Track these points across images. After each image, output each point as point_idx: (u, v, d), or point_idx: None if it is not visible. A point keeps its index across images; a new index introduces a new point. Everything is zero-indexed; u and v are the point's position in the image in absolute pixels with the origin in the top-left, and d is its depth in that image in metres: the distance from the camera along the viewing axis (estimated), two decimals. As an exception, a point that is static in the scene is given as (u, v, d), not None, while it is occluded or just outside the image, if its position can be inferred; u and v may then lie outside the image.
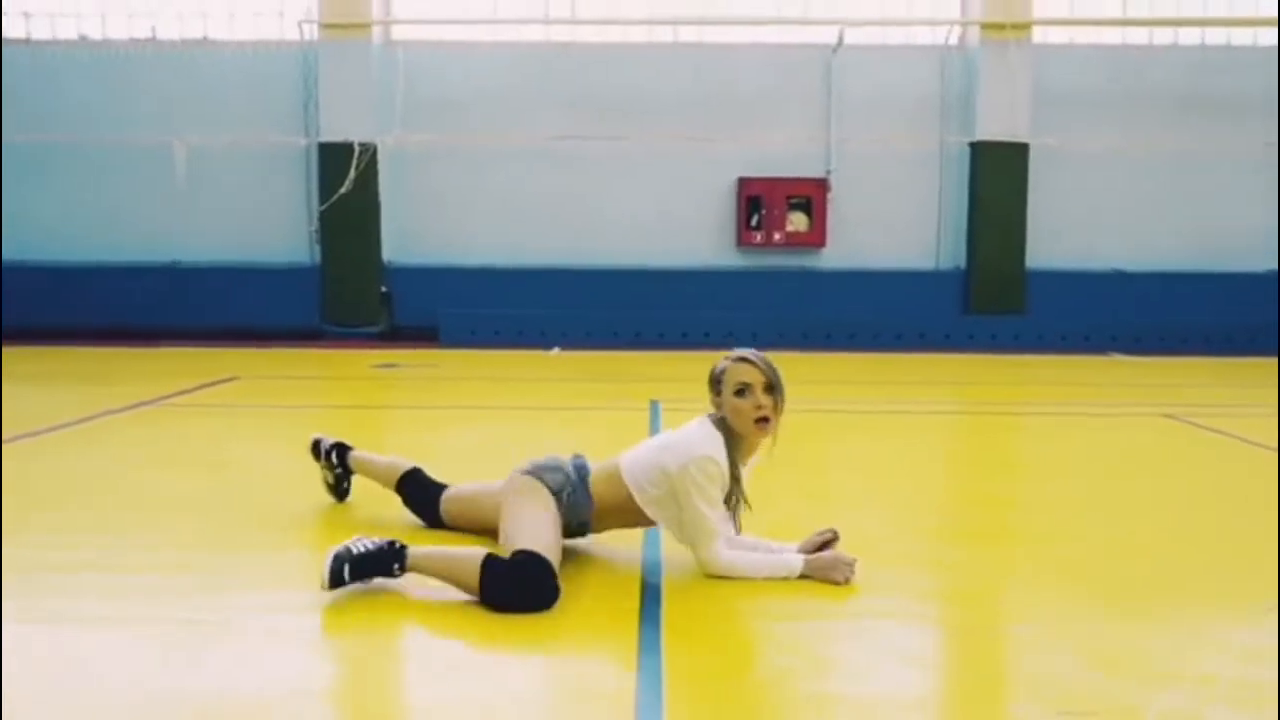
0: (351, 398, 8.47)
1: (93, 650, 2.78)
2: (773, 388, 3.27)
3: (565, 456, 3.51)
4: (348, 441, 4.23)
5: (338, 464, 4.16)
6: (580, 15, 13.27)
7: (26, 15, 13.25)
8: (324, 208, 12.82)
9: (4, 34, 13.16)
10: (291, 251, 13.13)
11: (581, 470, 3.45)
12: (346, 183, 12.69)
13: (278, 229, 13.14)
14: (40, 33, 13.25)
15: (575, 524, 3.42)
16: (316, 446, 4.20)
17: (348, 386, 9.06)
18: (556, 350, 11.67)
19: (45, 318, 12.45)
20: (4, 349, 10.80)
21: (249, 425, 6.79)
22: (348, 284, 12.93)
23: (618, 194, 13.23)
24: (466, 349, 11.63)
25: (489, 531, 3.52)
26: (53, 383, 8.62)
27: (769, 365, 3.30)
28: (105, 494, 4.58)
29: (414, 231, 13.19)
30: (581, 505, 3.39)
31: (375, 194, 12.96)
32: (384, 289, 13.02)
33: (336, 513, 4.18)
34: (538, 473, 3.41)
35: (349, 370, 9.94)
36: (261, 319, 12.68)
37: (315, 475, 4.34)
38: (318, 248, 13.02)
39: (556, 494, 3.36)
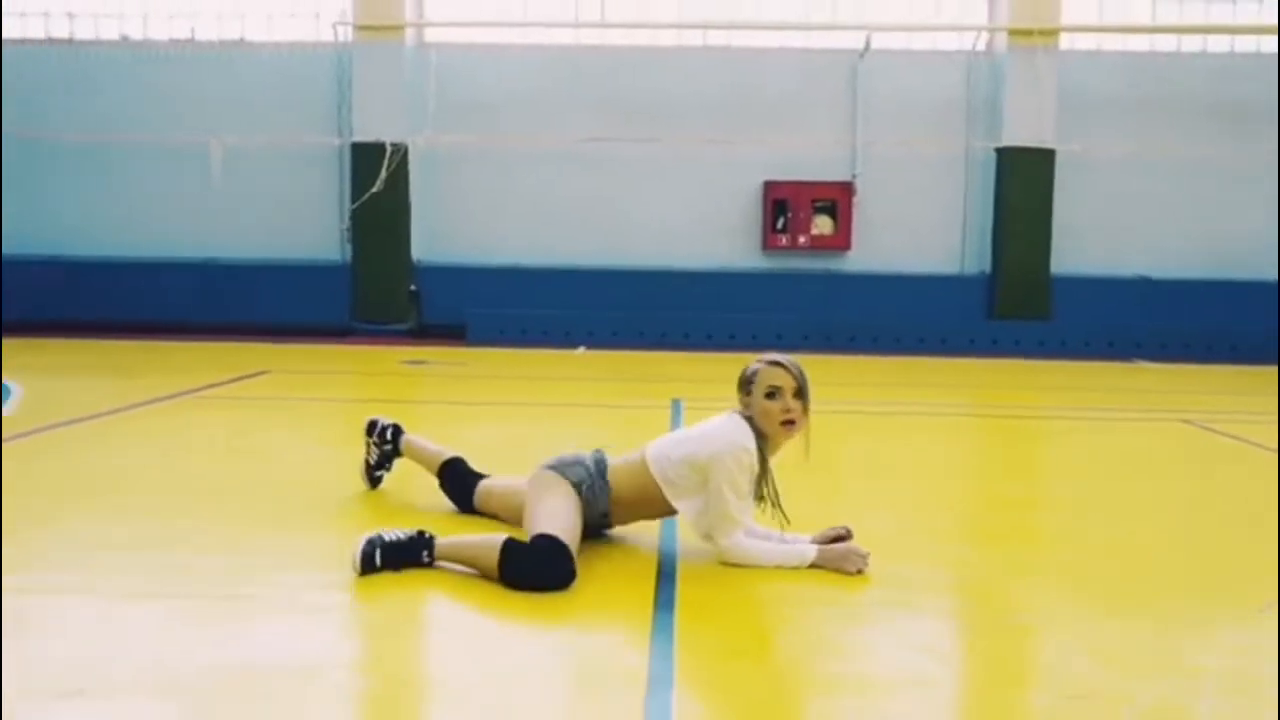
0: (381, 392, 8.64)
1: (132, 622, 2.93)
2: (801, 393, 3.41)
3: (586, 452, 3.64)
4: (403, 425, 4.39)
5: (390, 441, 4.32)
6: (610, 19, 13.41)
7: (71, 16, 13.55)
8: (355, 207, 13.03)
9: (49, 34, 13.49)
10: (324, 249, 13.35)
11: (600, 464, 3.57)
12: (378, 182, 12.90)
13: (311, 227, 13.37)
14: (84, 33, 13.54)
15: (597, 516, 3.54)
16: (372, 425, 4.36)
17: (377, 382, 9.23)
18: (582, 350, 11.81)
19: (82, 312, 12.74)
20: (41, 342, 11.09)
21: (280, 417, 6.97)
22: (378, 282, 13.13)
23: (645, 196, 13.36)
24: (493, 348, 11.79)
25: (517, 523, 3.67)
26: (89, 375, 8.85)
27: (799, 371, 3.44)
28: (141, 481, 4.76)
29: (443, 231, 13.38)
30: (600, 497, 3.52)
31: (406, 194, 13.15)
32: (413, 287, 13.21)
33: (369, 500, 4.33)
34: (560, 468, 3.54)
35: (378, 366, 10.12)
36: (293, 315, 12.91)
37: (346, 464, 4.49)
38: (349, 246, 13.23)
39: (577, 486, 3.50)
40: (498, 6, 13.43)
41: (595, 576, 3.28)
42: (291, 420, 6.84)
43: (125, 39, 13.54)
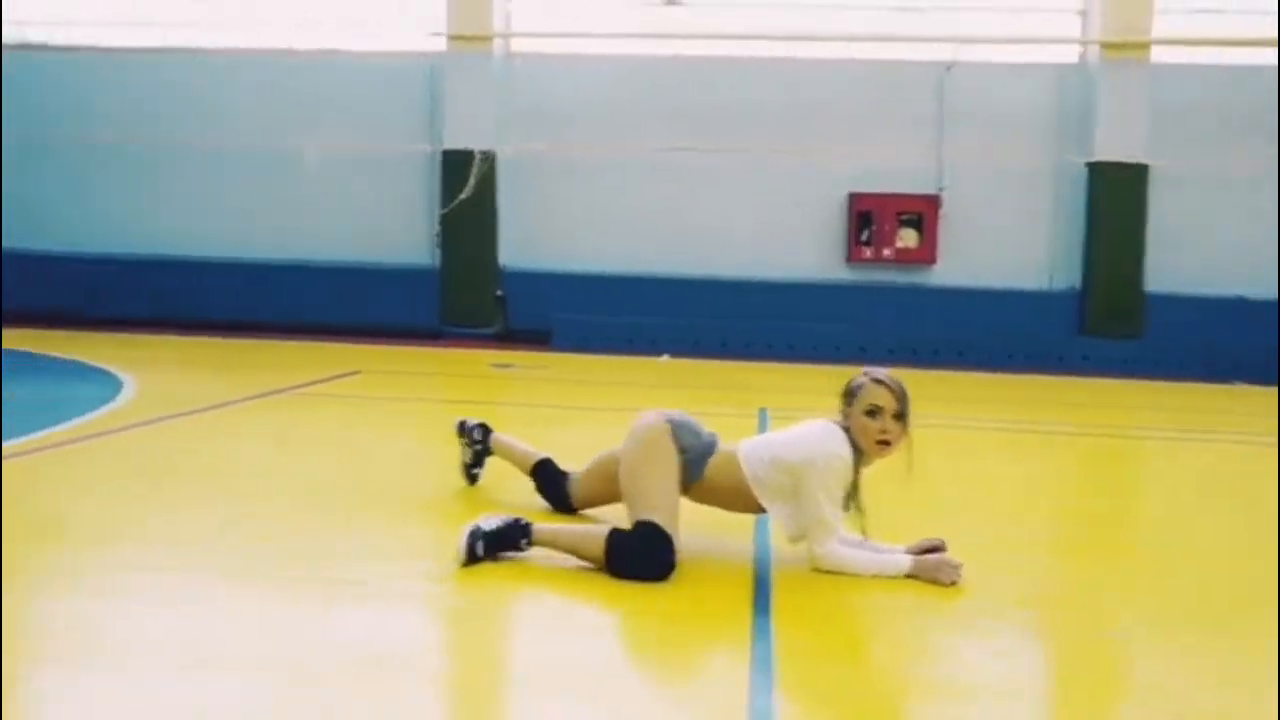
0: (470, 394, 8.82)
1: (237, 601, 3.10)
2: (902, 415, 3.43)
3: (706, 428, 3.68)
4: (490, 424, 4.54)
5: (479, 440, 4.47)
6: (694, 30, 13.48)
7: (174, 26, 14.08)
8: (445, 212, 13.31)
9: (153, 44, 14.05)
10: (415, 254, 13.66)
11: (711, 446, 3.62)
12: (466, 189, 13.17)
13: (402, 232, 13.70)
14: (187, 42, 14.06)
15: (685, 490, 3.59)
16: (462, 426, 4.52)
17: (466, 383, 9.43)
18: (666, 358, 11.88)
19: (183, 310, 13.23)
20: (150, 338, 11.57)
21: (376, 415, 7.19)
22: (466, 287, 13.39)
23: (729, 206, 13.40)
24: (577, 353, 11.94)
25: (615, 497, 3.77)
26: (195, 370, 9.20)
27: (902, 393, 3.46)
28: (246, 471, 4.97)
29: (529, 238, 13.59)
30: (693, 473, 3.57)
31: (493, 200, 13.40)
32: (499, 292, 13.44)
33: (466, 494, 4.48)
34: (676, 425, 3.56)
35: (467, 368, 10.34)
36: (385, 317, 13.23)
37: (442, 460, 4.65)
38: (439, 251, 13.52)
39: (683, 452, 3.54)
40: (582, 17, 13.60)
41: (691, 577, 3.36)
42: (386, 418, 7.05)
43: (227, 48, 14.03)
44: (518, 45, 13.80)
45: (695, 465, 3.56)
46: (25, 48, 14.14)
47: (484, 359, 11.03)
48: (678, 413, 3.65)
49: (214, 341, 11.69)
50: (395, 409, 7.58)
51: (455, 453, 4.59)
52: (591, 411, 7.74)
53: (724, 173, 13.38)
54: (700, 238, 13.37)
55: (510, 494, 4.39)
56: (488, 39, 13.41)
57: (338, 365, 9.58)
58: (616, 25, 13.63)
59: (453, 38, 13.38)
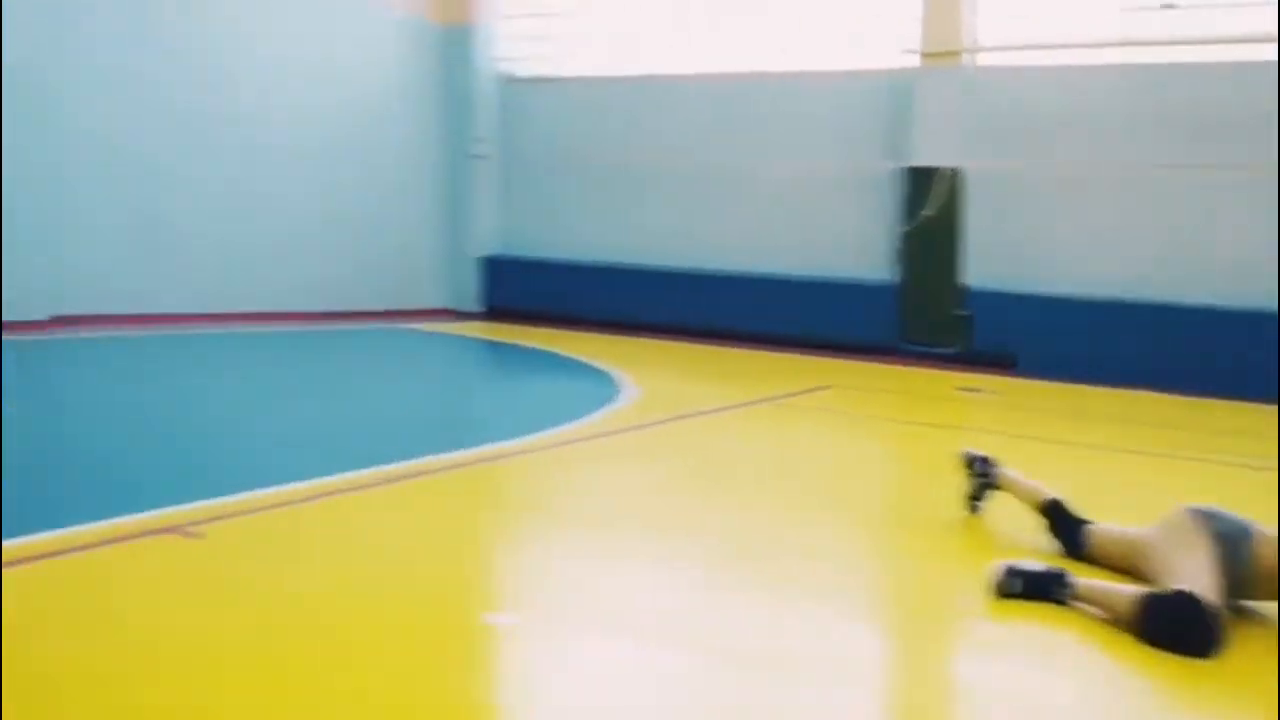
0: (941, 417, 8.77)
1: (714, 591, 3.49)
2: None
3: (1234, 514, 3.53)
4: (992, 458, 4.61)
5: (984, 474, 4.55)
6: (1180, 34, 12.29)
7: (669, 57, 15.39)
8: (908, 229, 13.34)
9: (652, 71, 15.45)
10: (874, 270, 13.84)
11: (1243, 528, 3.42)
12: (931, 205, 13.10)
13: (863, 248, 13.92)
14: (681, 69, 15.30)
15: (1229, 584, 3.38)
16: (968, 457, 4.63)
17: (935, 406, 9.42)
18: (1144, 391, 11.05)
19: (657, 315, 14.48)
20: (627, 339, 12.83)
21: (854, 430, 7.47)
22: (927, 305, 13.33)
23: (1223, 225, 12.13)
24: (1045, 380, 11.46)
25: (1134, 572, 3.66)
26: (677, 373, 10.11)
27: None
28: (752, 474, 5.42)
29: (996, 256, 13.21)
30: (1238, 563, 3.36)
31: (958, 217, 13.21)
32: (963, 312, 13.21)
33: (969, 523, 4.59)
34: (1204, 514, 3.46)
35: (933, 389, 10.34)
36: (843, 332, 13.54)
37: (933, 485, 4.82)
38: (899, 267, 13.58)
39: (1217, 538, 3.38)
40: (1052, 26, 12.96)
41: (1247, 652, 3.17)
42: (866, 435, 7.30)
43: (704, 74, 15.07)
44: (986, 58, 13.47)
45: (1238, 552, 3.36)
46: (527, 81, 16.20)
47: (948, 380, 10.96)
48: (1199, 505, 3.55)
49: (687, 346, 12.69)
50: (872, 427, 7.79)
51: (940, 477, 4.74)
52: (1065, 446, 7.39)
53: (1215, 189, 12.14)
54: (1190, 258, 12.22)
55: (1010, 527, 4.42)
56: (956, 54, 13.23)
57: (807, 378, 10.00)
58: (1095, 33, 12.84)
59: (923, 55, 13.37)
